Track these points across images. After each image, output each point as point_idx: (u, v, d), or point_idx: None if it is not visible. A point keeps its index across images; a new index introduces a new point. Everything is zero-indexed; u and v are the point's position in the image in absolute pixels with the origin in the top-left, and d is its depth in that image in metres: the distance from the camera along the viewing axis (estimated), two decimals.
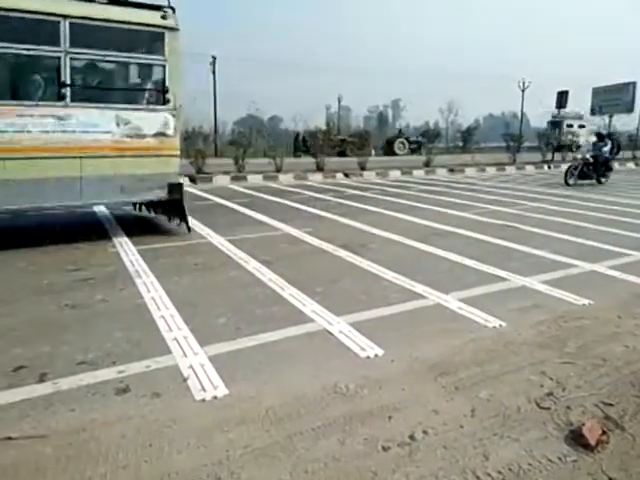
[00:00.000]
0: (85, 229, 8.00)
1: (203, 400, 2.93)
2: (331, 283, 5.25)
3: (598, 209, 10.75)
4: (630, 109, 36.71)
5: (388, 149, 36.02)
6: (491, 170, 21.97)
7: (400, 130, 44.94)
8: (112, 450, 2.44)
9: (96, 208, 10.34)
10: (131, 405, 2.87)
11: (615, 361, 3.46)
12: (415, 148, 35.02)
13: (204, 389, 3.04)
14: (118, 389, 3.05)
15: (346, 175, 18.36)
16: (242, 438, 2.55)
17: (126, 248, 6.72)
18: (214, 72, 38.07)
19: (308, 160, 19.99)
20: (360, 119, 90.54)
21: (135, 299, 4.69)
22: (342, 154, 28.85)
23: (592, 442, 2.49)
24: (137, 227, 8.25)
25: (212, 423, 2.68)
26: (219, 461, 2.36)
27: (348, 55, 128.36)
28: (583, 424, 2.62)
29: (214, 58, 38.00)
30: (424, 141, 35.44)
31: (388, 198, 12.40)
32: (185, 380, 3.15)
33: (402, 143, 35.55)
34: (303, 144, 29.36)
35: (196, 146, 17.16)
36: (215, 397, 2.95)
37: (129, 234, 7.58)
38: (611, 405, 2.89)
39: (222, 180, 16.17)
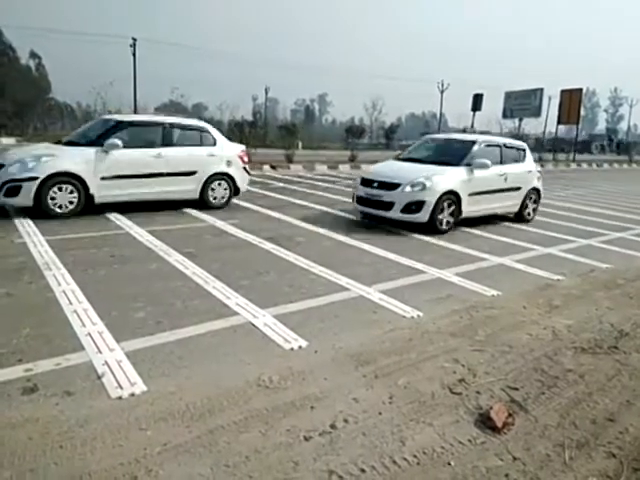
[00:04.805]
0: None
1: (119, 398, 2.81)
2: (257, 276, 5.21)
3: None
4: (537, 113, 39.70)
5: (582, 148, 42.03)
6: None
7: (608, 135, 47.63)
8: (18, 453, 2.29)
9: None
10: (39, 405, 2.70)
11: (520, 348, 3.74)
12: (613, 149, 34.91)
13: (120, 386, 2.91)
14: (25, 388, 2.85)
15: (273, 167, 18.26)
16: (161, 435, 2.48)
17: (34, 239, 6.26)
18: (134, 54, 36.37)
19: None
20: (287, 111, 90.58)
21: (45, 293, 4.39)
22: None
23: (499, 424, 2.69)
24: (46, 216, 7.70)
25: (129, 421, 2.58)
26: (135, 459, 2.28)
27: (277, 47, 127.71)
28: (491, 408, 2.82)
29: (134, 40, 36.28)
30: (631, 141, 36.04)
31: (315, 191, 12.50)
32: (100, 377, 3.00)
33: (603, 145, 37.30)
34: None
35: None
36: (132, 394, 2.84)
37: (38, 224, 7.07)
38: (516, 389, 3.13)
39: None
